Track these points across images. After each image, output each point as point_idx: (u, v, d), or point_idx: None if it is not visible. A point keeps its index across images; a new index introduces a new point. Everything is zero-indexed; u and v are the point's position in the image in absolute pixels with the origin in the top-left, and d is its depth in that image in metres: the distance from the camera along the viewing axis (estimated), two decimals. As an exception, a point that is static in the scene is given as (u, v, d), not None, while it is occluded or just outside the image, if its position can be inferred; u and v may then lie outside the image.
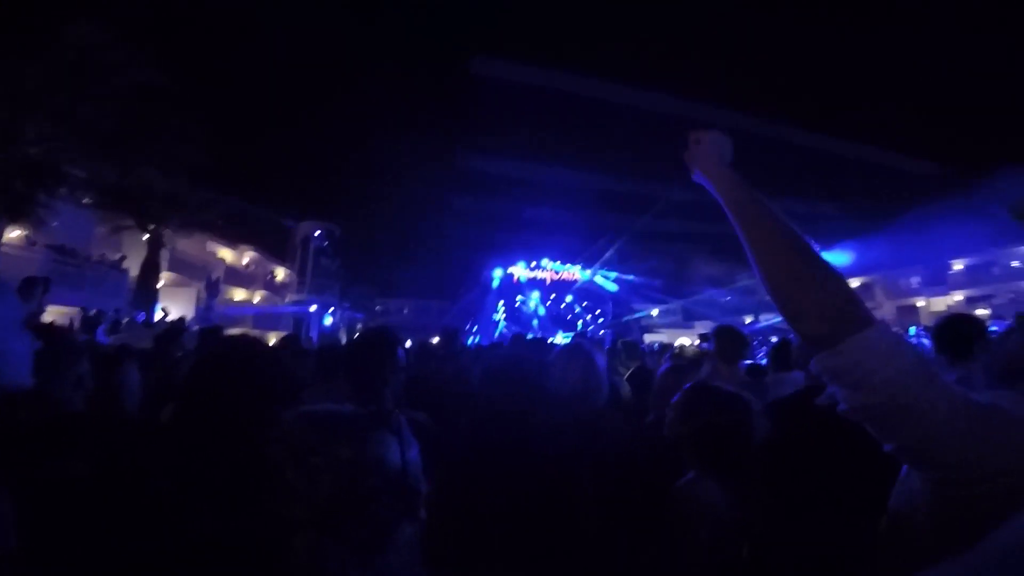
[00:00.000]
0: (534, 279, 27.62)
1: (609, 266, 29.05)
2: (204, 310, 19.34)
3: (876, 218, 31.96)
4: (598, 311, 28.06)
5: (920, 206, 29.88)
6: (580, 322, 27.78)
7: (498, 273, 27.20)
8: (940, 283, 31.97)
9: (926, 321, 25.47)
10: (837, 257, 25.82)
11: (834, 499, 1.38)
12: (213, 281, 20.69)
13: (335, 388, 2.60)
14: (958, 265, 31.59)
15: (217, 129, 16.00)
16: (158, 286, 16.69)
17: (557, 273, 27.99)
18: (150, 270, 16.04)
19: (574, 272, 28.07)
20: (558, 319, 27.06)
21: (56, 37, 10.16)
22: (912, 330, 13.04)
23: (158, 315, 14.60)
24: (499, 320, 26.62)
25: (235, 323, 24.84)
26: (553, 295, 28.17)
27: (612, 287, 28.11)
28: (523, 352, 3.72)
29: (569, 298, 28.51)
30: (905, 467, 0.81)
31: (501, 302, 27.44)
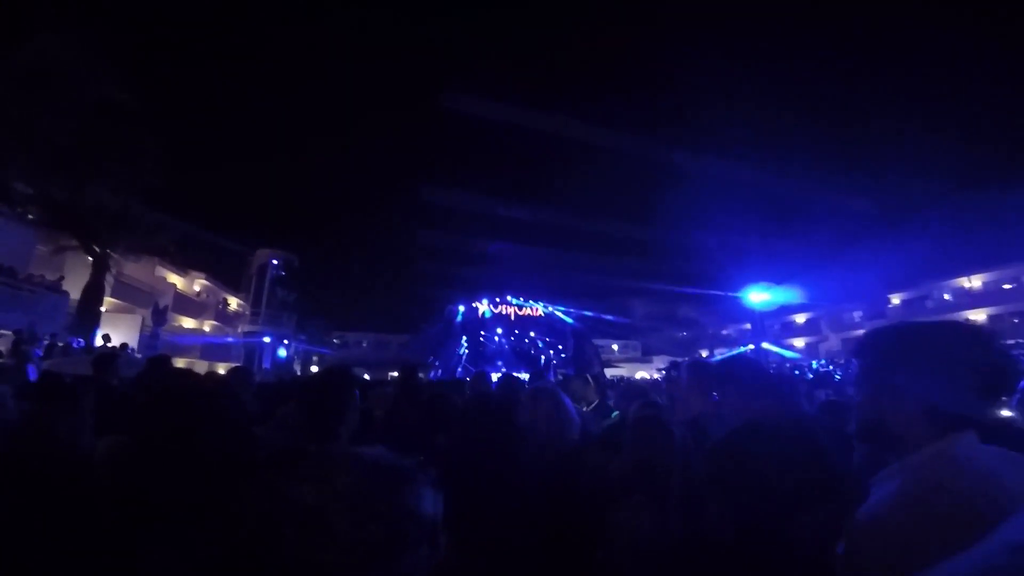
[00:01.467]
0: (498, 314, 27.66)
1: (570, 302, 29.51)
2: (149, 338, 18.36)
3: (822, 256, 34.01)
4: (560, 346, 28.20)
5: (861, 244, 32.23)
6: (543, 357, 27.82)
7: (461, 308, 27.14)
8: (880, 316, 34.25)
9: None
10: (787, 294, 27.15)
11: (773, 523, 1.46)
12: (160, 308, 19.72)
13: (288, 418, 2.54)
14: (896, 299, 33.99)
15: (177, 152, 15.62)
16: (101, 311, 15.76)
17: (520, 309, 28.13)
18: (93, 294, 15.15)
19: (537, 308, 28.31)
20: (522, 354, 27.02)
21: (16, 49, 9.79)
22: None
23: (99, 341, 13.76)
24: (462, 355, 26.35)
25: (182, 352, 23.64)
26: (516, 331, 28.20)
27: (570, 322, 28.47)
28: (493, 392, 3.75)
29: (532, 334, 28.59)
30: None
31: (464, 337, 27.22)
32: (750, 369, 2.16)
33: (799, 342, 36.74)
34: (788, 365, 20.42)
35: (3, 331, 10.36)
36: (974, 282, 31.36)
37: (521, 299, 27.82)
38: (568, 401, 2.17)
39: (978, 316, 30.35)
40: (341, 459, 0.81)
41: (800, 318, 38.76)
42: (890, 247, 30.07)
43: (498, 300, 27.44)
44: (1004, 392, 0.90)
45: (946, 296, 32.69)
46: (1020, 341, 16.06)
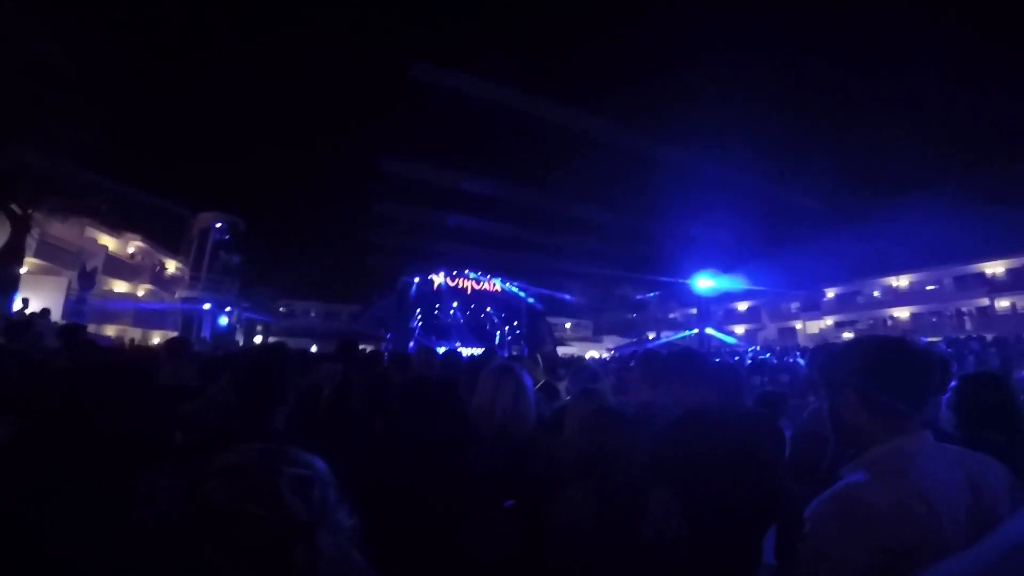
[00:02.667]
0: (454, 288, 27.49)
1: (526, 280, 29.72)
2: (75, 302, 17.18)
3: (766, 248, 35.77)
4: (515, 323, 28.46)
5: (803, 239, 34.07)
6: (498, 333, 28.03)
7: (416, 280, 26.78)
8: (815, 308, 36.64)
9: (803, 341, 28.92)
10: (732, 282, 28.51)
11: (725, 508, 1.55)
12: (89, 271, 18.40)
13: (219, 396, 2.45)
14: (830, 293, 36.35)
15: (116, 110, 14.42)
16: (19, 273, 14.57)
17: (477, 283, 28.08)
18: (12, 256, 13.98)
19: (494, 284, 28.33)
20: (476, 329, 27.08)
21: None
22: (792, 356, 14.56)
23: (17, 305, 12.78)
24: (415, 328, 26.11)
25: (113, 319, 22.27)
26: (472, 305, 28.17)
27: (526, 299, 28.73)
28: (440, 376, 3.61)
29: (488, 309, 28.66)
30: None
31: (418, 310, 26.94)
32: (696, 360, 2.22)
33: (740, 329, 38.69)
34: (728, 350, 21.46)
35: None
36: (901, 281, 33.85)
37: (478, 274, 27.82)
38: (530, 384, 2.08)
39: (902, 313, 33.00)
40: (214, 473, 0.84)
41: (742, 306, 40.78)
42: (829, 244, 31.98)
43: (455, 274, 27.29)
44: (937, 392, 1.06)
45: (876, 293, 35.22)
46: (937, 339, 17.53)
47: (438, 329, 26.37)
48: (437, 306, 27.34)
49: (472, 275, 27.72)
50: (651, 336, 34.91)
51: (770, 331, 37.83)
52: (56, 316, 13.43)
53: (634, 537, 1.48)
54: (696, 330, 27.27)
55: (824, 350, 2.50)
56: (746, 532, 1.72)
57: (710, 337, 26.18)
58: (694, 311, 34.94)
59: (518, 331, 28.21)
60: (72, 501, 0.97)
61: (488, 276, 28.15)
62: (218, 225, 30.06)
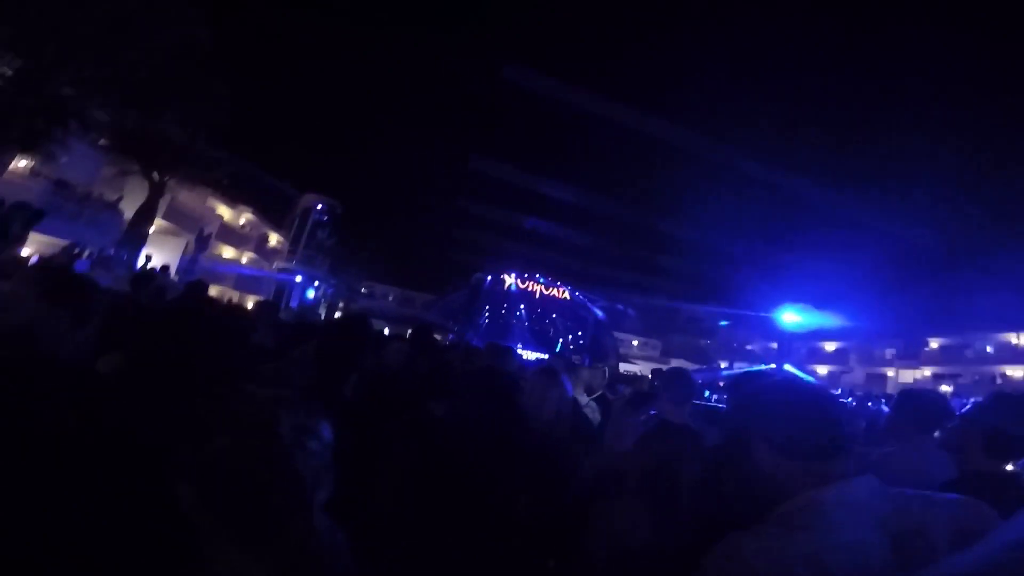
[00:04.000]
0: (523, 290, 27.74)
1: (597, 290, 29.34)
2: (190, 261, 19.29)
3: (865, 286, 32.67)
4: (579, 333, 28.20)
5: (908, 280, 30.76)
6: (560, 340, 27.92)
7: (488, 278, 27.33)
8: (913, 357, 33.00)
9: (892, 391, 26.22)
10: (822, 319, 26.34)
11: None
12: (205, 235, 20.65)
13: (299, 359, 2.70)
14: (934, 343, 32.60)
15: (242, 92, 16.16)
16: (149, 231, 16.66)
17: (546, 288, 28.13)
18: (145, 215, 16.04)
19: (563, 291, 28.26)
20: (539, 335, 27.14)
21: None
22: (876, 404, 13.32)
23: (141, 261, 14.61)
24: (481, 324, 26.66)
25: (217, 280, 24.72)
26: (538, 310, 28.25)
27: (598, 312, 28.35)
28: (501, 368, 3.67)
29: (553, 315, 28.60)
30: None
31: (487, 307, 27.46)
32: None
33: (823, 369, 35.69)
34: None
35: (61, 240, 11.19)
36: (1022, 339, 29.69)
37: (548, 279, 27.88)
38: (571, 392, 2.11)
39: (1015, 372, 28.97)
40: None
41: (830, 346, 37.59)
42: (939, 288, 28.57)
43: (525, 276, 27.54)
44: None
45: (988, 348, 31.10)
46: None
47: (503, 329, 26.69)
48: (505, 306, 27.70)
49: (541, 280, 27.81)
50: (723, 365, 33.18)
51: (857, 375, 34.53)
52: (172, 272, 15.22)
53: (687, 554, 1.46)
54: (773, 365, 25.57)
55: (916, 395, 2.31)
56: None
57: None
58: (774, 345, 32.73)
59: (581, 341, 27.90)
60: (160, 433, 0.99)
61: (557, 282, 28.10)
62: (319, 206, 32.61)
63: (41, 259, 7.06)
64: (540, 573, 1.61)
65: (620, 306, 31.61)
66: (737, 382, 2.37)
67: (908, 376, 32.31)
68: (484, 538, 1.48)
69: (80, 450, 0.98)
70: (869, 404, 12.95)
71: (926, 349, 32.94)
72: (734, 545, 0.85)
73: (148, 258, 14.85)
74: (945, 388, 26.03)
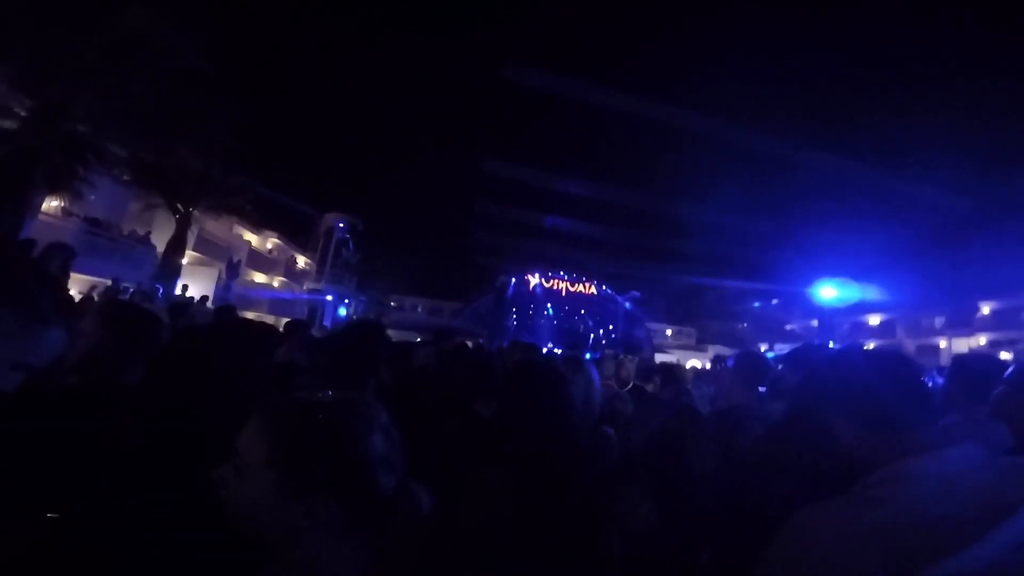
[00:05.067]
0: (549, 289, 27.61)
1: (625, 283, 28.95)
2: (223, 289, 19.82)
3: (907, 253, 31.25)
4: (610, 327, 27.87)
5: (954, 243, 29.30)
6: (592, 336, 27.65)
7: (512, 280, 27.30)
8: (965, 325, 31.37)
9: (946, 363, 24.89)
10: (863, 291, 25.26)
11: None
12: (235, 263, 21.20)
13: (324, 374, 2.65)
14: (986, 308, 30.95)
15: (254, 118, 16.53)
16: (182, 263, 17.18)
17: (572, 285, 27.93)
18: (176, 247, 16.56)
19: (589, 286, 28.00)
20: (569, 332, 26.95)
21: (113, 19, 10.62)
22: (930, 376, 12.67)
23: (178, 290, 15.06)
24: (510, 327, 26.62)
25: (252, 305, 25.36)
26: (566, 307, 28.08)
27: (627, 305, 27.98)
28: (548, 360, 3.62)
29: (582, 311, 28.38)
30: None
31: (514, 309, 27.44)
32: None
33: (870, 345, 34.29)
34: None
35: (99, 279, 11.61)
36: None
37: (573, 276, 27.69)
38: (598, 381, 2.13)
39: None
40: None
41: (874, 319, 36.10)
42: (986, 249, 27.09)
43: (550, 275, 27.45)
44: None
45: (1046, 309, 29.32)
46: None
47: (532, 329, 26.62)
48: (531, 306, 27.62)
49: (566, 277, 27.64)
50: (763, 348, 32.23)
51: (906, 348, 33.08)
52: (209, 303, 15.65)
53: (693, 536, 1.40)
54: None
55: (968, 361, 2.14)
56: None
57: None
58: (815, 323, 31.61)
59: (613, 335, 27.56)
60: (178, 448, 1.00)
61: (583, 278, 27.87)
62: (340, 224, 33.21)
63: (85, 298, 7.31)
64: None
65: (650, 297, 31.14)
66: (795, 358, 2.19)
67: (962, 345, 30.65)
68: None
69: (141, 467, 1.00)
70: (923, 378, 12.33)
71: (978, 315, 31.28)
72: (805, 519, 0.82)
73: (184, 288, 15.29)
74: (1004, 355, 24.58)
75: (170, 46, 11.55)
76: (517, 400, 1.69)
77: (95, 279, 11.87)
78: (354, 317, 31.86)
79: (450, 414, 2.13)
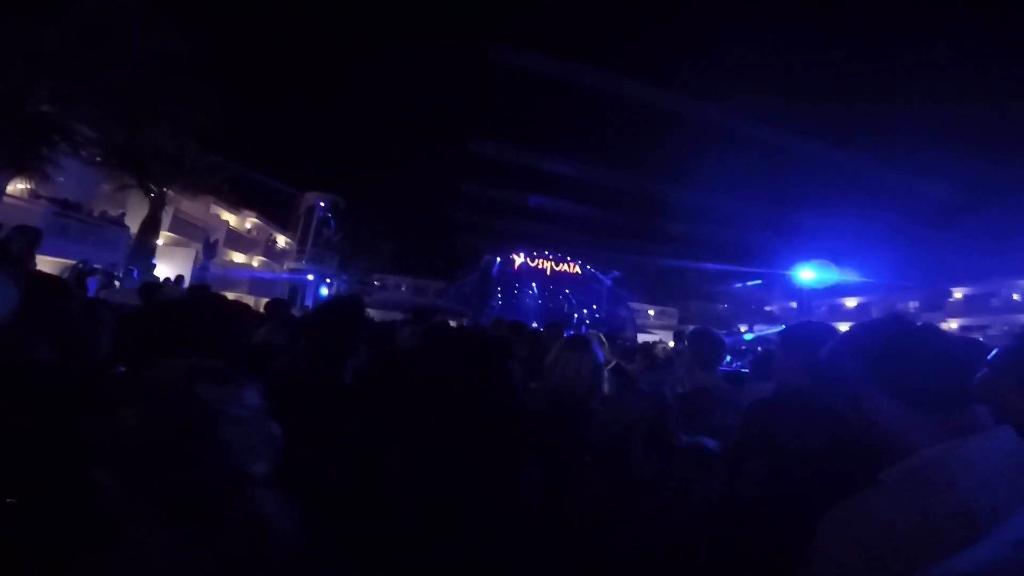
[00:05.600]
0: (533, 268, 27.64)
1: (609, 263, 29.11)
2: (200, 270, 19.42)
3: (884, 238, 31.91)
4: (594, 306, 28.08)
5: (930, 230, 29.97)
6: (575, 315, 27.85)
7: (497, 259, 27.25)
8: (938, 309, 32.34)
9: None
10: (841, 274, 25.81)
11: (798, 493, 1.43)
12: (212, 243, 20.73)
13: (303, 350, 2.62)
14: (958, 293, 31.90)
15: (231, 96, 16.03)
16: (157, 244, 16.74)
17: (557, 264, 27.99)
18: (150, 228, 16.10)
19: (573, 266, 28.09)
20: (553, 311, 27.10)
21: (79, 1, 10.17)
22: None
23: (155, 272, 14.71)
24: (495, 306, 26.67)
25: (231, 286, 24.92)
26: (550, 287, 28.18)
27: (607, 282, 28.19)
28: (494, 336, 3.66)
29: (567, 291, 28.52)
30: None
31: (499, 288, 27.45)
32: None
33: (845, 327, 35.00)
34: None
35: (70, 261, 11.29)
36: (1049, 284, 28.87)
37: (558, 255, 27.73)
38: (601, 359, 2.15)
39: (1046, 319, 28.22)
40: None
41: (851, 302, 36.93)
42: (960, 236, 27.75)
43: (535, 254, 27.45)
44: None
45: (1015, 296, 30.28)
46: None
47: (516, 308, 26.70)
48: (516, 285, 27.65)
49: (551, 256, 27.67)
50: (743, 329, 32.83)
51: (881, 331, 34.02)
52: (185, 283, 15.34)
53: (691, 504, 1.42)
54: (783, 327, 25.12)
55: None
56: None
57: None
58: (794, 304, 32.28)
59: (597, 315, 27.80)
60: None
61: (567, 258, 27.94)
62: (321, 203, 32.58)
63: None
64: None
65: (633, 277, 31.40)
66: (795, 338, 2.15)
67: (934, 331, 31.77)
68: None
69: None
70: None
71: (950, 300, 32.28)
72: (860, 506, 0.79)
73: (152, 266, 14.96)
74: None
75: (142, 25, 11.10)
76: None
77: (66, 261, 11.51)
78: (335, 296, 31.54)
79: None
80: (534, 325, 20.54)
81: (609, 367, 4.42)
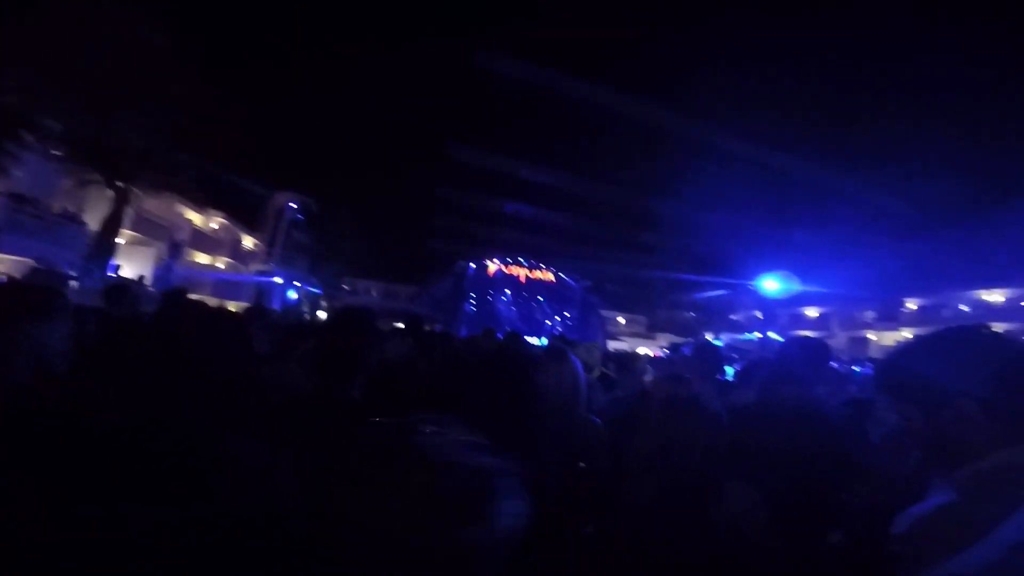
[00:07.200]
0: (508, 275, 27.71)
1: (581, 271, 29.45)
2: (163, 270, 18.72)
3: (842, 251, 33.33)
4: (566, 314, 28.33)
5: (882, 244, 31.51)
6: (548, 322, 28.03)
7: (471, 265, 27.21)
8: (892, 319, 33.95)
9: (876, 354, 26.96)
10: (802, 285, 26.89)
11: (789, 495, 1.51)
12: (176, 243, 20.03)
13: (296, 365, 2.57)
14: (912, 304, 33.55)
15: (204, 92, 15.50)
16: (117, 243, 16.04)
17: (531, 271, 28.14)
18: (111, 226, 15.41)
19: (547, 273, 28.30)
20: (526, 318, 27.21)
21: None
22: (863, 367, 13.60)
23: (114, 272, 14.11)
24: (468, 312, 26.59)
25: (194, 287, 24.07)
26: (524, 293, 28.29)
27: (579, 290, 28.51)
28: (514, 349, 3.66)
29: (540, 298, 28.68)
30: None
31: (472, 294, 27.39)
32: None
33: (809, 334, 36.39)
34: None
35: (23, 258, 10.73)
36: (995, 296, 30.67)
37: (532, 262, 27.89)
38: (580, 368, 2.12)
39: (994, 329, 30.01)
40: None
41: (812, 312, 38.39)
42: (912, 251, 29.30)
43: (508, 260, 27.53)
44: None
45: (963, 307, 32.14)
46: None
47: (489, 315, 26.69)
48: (490, 292, 27.66)
49: (525, 263, 27.82)
50: (710, 337, 33.69)
51: (839, 340, 35.38)
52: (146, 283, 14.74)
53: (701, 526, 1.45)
54: (758, 334, 26.06)
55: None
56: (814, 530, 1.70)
57: (773, 342, 24.96)
58: (758, 314, 33.36)
59: (569, 323, 28.06)
60: (155, 466, 0.89)
61: (541, 265, 28.14)
62: (292, 205, 31.86)
63: (10, 280, 6.69)
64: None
65: (604, 284, 31.84)
66: (798, 347, 2.33)
67: (888, 338, 33.23)
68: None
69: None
70: (854, 369, 13.21)
71: (903, 310, 33.93)
72: (942, 506, 0.78)
73: (117, 267, 14.34)
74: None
75: (115, 17, 10.73)
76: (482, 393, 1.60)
77: (21, 259, 10.93)
78: (305, 300, 30.82)
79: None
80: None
81: (596, 375, 4.51)
